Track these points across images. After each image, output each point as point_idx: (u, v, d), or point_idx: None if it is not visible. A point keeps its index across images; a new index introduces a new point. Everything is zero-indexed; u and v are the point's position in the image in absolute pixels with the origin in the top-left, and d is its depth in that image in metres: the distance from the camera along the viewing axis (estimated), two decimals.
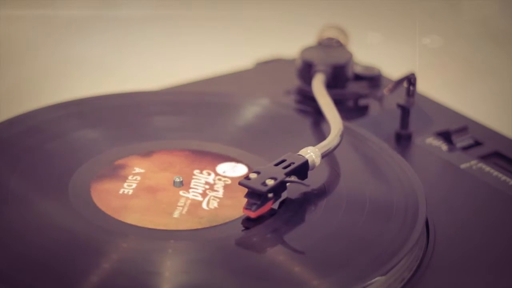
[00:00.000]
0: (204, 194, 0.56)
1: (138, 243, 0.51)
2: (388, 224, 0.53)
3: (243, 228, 0.52)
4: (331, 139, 0.58)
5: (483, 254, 0.54)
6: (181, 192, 0.56)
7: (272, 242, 0.52)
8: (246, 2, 1.14)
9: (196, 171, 0.58)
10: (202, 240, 0.52)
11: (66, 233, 0.52)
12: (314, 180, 0.56)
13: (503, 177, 0.62)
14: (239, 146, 0.61)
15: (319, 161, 0.56)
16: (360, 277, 0.49)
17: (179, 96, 0.69)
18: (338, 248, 0.51)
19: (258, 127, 0.65)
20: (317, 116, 0.66)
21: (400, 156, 0.60)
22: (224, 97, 0.68)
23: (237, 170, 0.58)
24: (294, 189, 0.55)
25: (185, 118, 0.65)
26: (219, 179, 0.57)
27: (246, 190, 0.53)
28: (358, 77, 0.73)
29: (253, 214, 0.52)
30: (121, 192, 0.56)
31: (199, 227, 0.52)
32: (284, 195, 0.54)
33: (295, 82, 0.72)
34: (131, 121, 0.65)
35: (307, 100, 0.69)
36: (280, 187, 0.53)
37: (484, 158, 0.64)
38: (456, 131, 0.67)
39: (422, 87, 0.72)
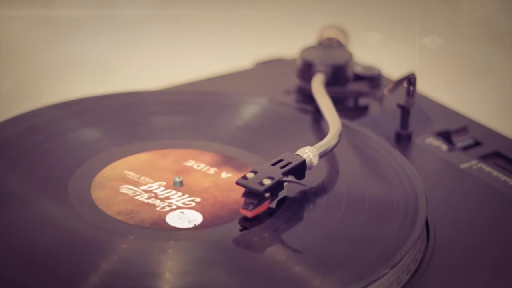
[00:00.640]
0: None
1: (138, 244, 0.51)
2: (388, 224, 0.53)
3: (242, 228, 0.52)
4: (329, 139, 0.58)
5: (483, 254, 0.54)
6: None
7: (272, 241, 0.52)
8: (246, 2, 1.14)
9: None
10: (202, 240, 0.52)
11: (66, 233, 0.52)
12: (314, 179, 0.56)
13: (503, 177, 0.62)
14: (239, 145, 0.61)
15: (317, 161, 0.56)
16: (360, 277, 0.49)
17: (179, 96, 0.69)
18: (338, 248, 0.51)
19: (258, 127, 0.65)
20: (317, 115, 0.66)
21: (401, 154, 0.60)
22: (224, 97, 0.68)
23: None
24: (294, 188, 0.55)
25: (185, 118, 0.65)
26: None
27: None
28: (358, 77, 0.73)
29: (250, 214, 0.52)
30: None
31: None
32: (282, 194, 0.54)
33: (295, 82, 0.72)
34: (131, 121, 0.65)
35: (307, 100, 0.70)
36: (277, 186, 0.53)
37: (484, 158, 0.64)
38: (456, 131, 0.67)
39: (422, 87, 0.72)
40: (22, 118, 0.63)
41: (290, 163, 0.54)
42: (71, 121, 0.63)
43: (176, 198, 0.56)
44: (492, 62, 1.02)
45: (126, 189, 0.56)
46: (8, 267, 0.49)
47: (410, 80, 0.66)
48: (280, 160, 0.54)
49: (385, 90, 0.68)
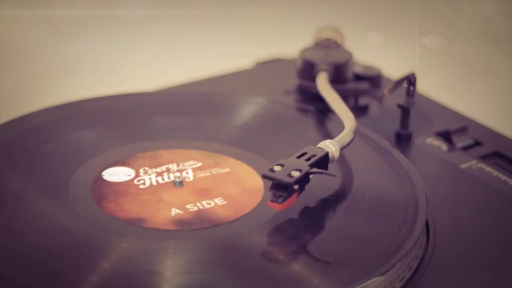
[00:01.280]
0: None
1: (138, 243, 0.51)
2: (388, 223, 0.53)
3: (242, 228, 0.52)
4: (347, 133, 0.58)
5: (483, 254, 0.54)
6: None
7: (272, 241, 0.52)
8: (246, 2, 1.14)
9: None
10: (202, 240, 0.52)
11: (66, 233, 0.52)
12: (314, 179, 0.56)
13: (503, 177, 0.62)
14: (239, 145, 0.61)
15: (338, 154, 0.56)
16: (360, 276, 0.49)
17: (179, 96, 0.69)
18: (338, 247, 0.51)
19: (258, 127, 0.65)
20: (317, 115, 0.66)
21: (401, 154, 0.60)
22: (223, 97, 0.68)
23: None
24: None
25: (185, 118, 0.65)
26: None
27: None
28: (358, 77, 0.73)
29: (279, 207, 0.51)
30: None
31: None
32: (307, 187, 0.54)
33: (295, 82, 0.72)
34: (130, 121, 0.65)
35: (306, 100, 0.70)
36: (304, 179, 0.53)
37: (484, 158, 0.64)
38: (456, 131, 0.67)
39: (422, 87, 0.72)
40: (22, 120, 0.63)
41: (314, 155, 0.54)
42: (71, 122, 0.63)
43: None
44: (492, 62, 1.02)
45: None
46: (8, 267, 0.49)
47: (410, 80, 0.66)
48: (304, 153, 0.54)
49: (385, 90, 0.68)
